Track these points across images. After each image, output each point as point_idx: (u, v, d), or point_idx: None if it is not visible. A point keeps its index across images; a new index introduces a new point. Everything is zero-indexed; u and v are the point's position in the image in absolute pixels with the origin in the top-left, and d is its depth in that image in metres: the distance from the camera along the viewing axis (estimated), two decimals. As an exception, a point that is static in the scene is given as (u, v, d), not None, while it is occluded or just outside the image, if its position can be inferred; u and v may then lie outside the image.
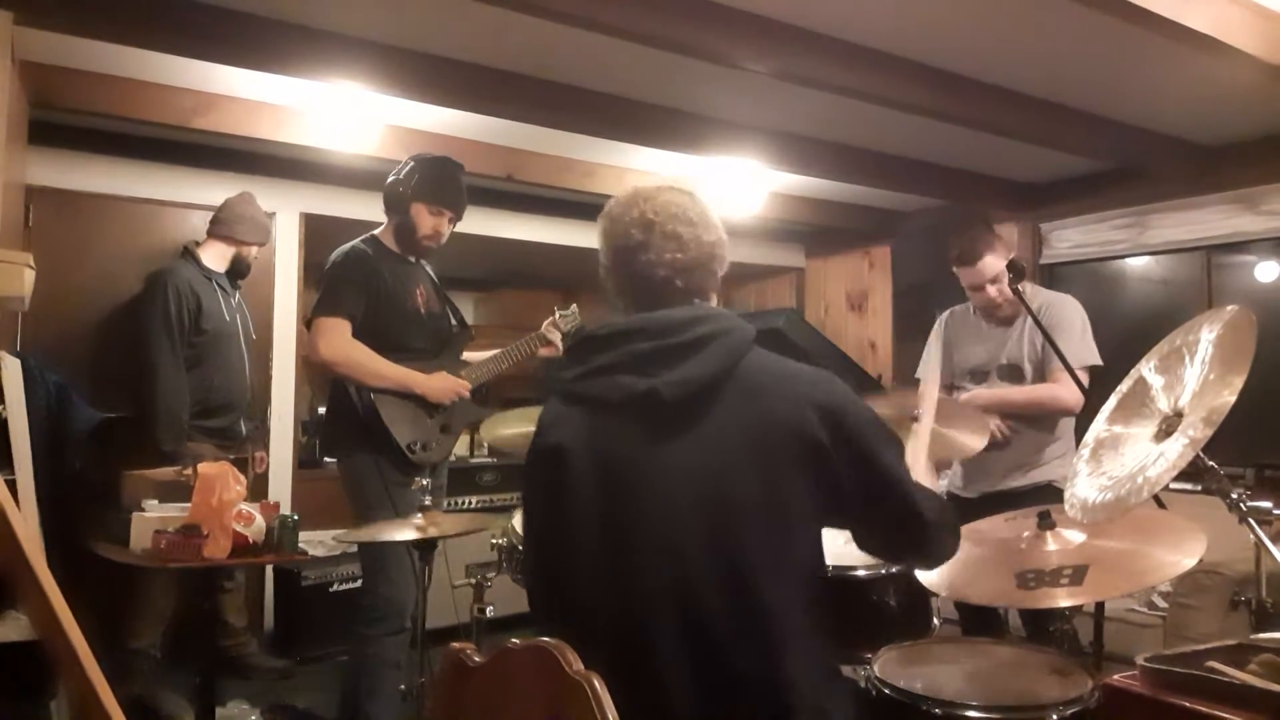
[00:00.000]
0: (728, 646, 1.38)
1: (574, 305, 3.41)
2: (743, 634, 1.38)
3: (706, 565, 1.39)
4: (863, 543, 1.58)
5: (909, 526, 1.49)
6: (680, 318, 1.49)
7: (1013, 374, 3.04)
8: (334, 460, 3.47)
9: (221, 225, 3.88)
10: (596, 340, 1.53)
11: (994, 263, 2.98)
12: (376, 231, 3.04)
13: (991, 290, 3.01)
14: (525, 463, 1.59)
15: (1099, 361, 2.90)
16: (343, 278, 2.88)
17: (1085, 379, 2.85)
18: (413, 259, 3.06)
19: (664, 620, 1.39)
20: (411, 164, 3.02)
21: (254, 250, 3.97)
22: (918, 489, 1.50)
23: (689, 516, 1.40)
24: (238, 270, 3.93)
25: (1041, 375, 2.99)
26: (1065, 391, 2.89)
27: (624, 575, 1.42)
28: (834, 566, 1.98)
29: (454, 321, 3.18)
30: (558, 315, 3.34)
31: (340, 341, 2.82)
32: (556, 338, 3.27)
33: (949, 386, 3.25)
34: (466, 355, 3.19)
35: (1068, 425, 2.99)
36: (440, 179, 3.01)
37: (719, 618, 1.38)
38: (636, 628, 1.40)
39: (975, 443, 2.77)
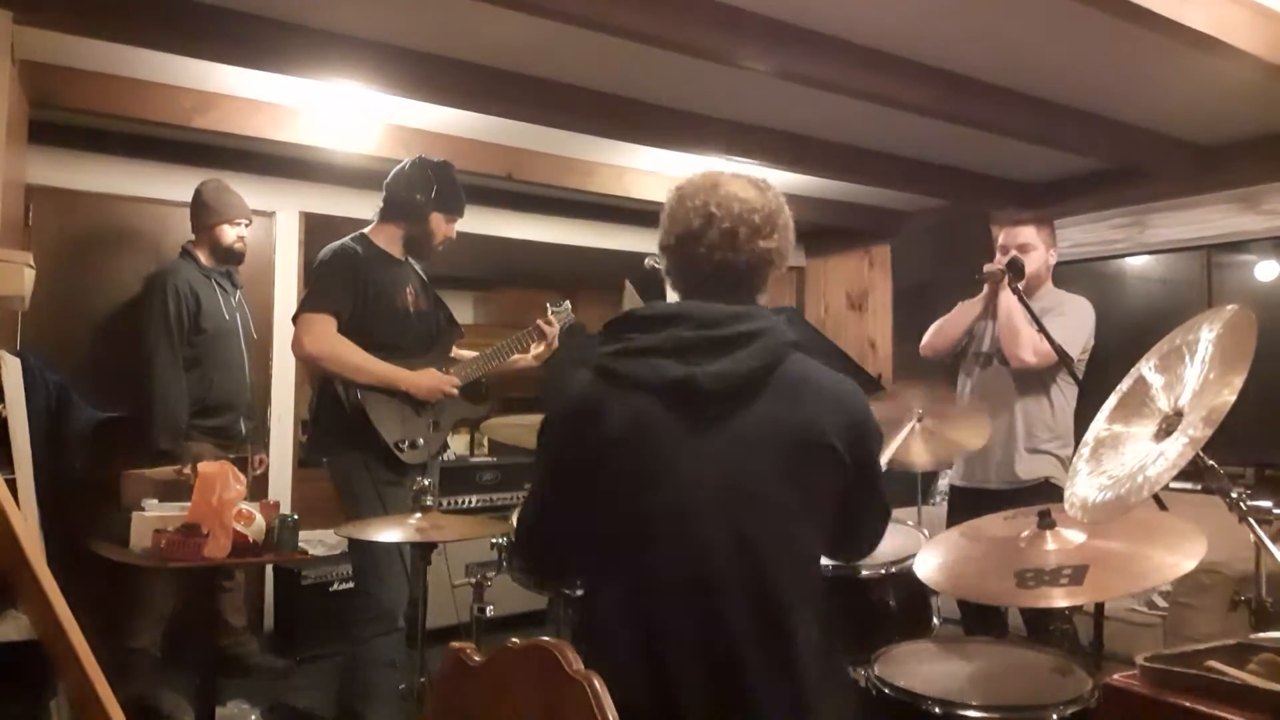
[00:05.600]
0: (740, 642, 1.40)
1: (566, 302, 3.41)
2: (757, 630, 1.40)
3: (726, 559, 1.41)
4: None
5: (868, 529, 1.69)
6: (726, 312, 1.50)
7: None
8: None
9: (191, 219, 3.83)
10: (638, 320, 1.53)
11: (1030, 235, 3.11)
12: (366, 230, 3.05)
13: (998, 260, 3.09)
14: (547, 424, 1.58)
15: (1071, 355, 2.89)
16: (331, 275, 2.90)
17: (1075, 366, 2.91)
18: (401, 258, 3.07)
19: (678, 611, 1.42)
20: (425, 173, 3.02)
21: (229, 230, 3.80)
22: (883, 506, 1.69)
23: (713, 509, 1.42)
24: (220, 256, 3.81)
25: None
26: (1031, 342, 2.92)
27: (643, 561, 1.44)
28: (834, 567, 1.99)
29: (443, 320, 3.18)
30: (550, 311, 3.34)
31: (325, 336, 2.82)
32: (553, 332, 3.27)
33: (961, 353, 3.28)
34: (456, 353, 3.20)
35: (1065, 418, 3.02)
36: (452, 188, 3.07)
37: (736, 610, 1.40)
38: (652, 608, 1.43)
39: (974, 441, 2.80)
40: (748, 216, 1.54)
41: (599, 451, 1.48)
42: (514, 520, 2.63)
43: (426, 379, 2.96)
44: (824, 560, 1.70)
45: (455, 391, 3.04)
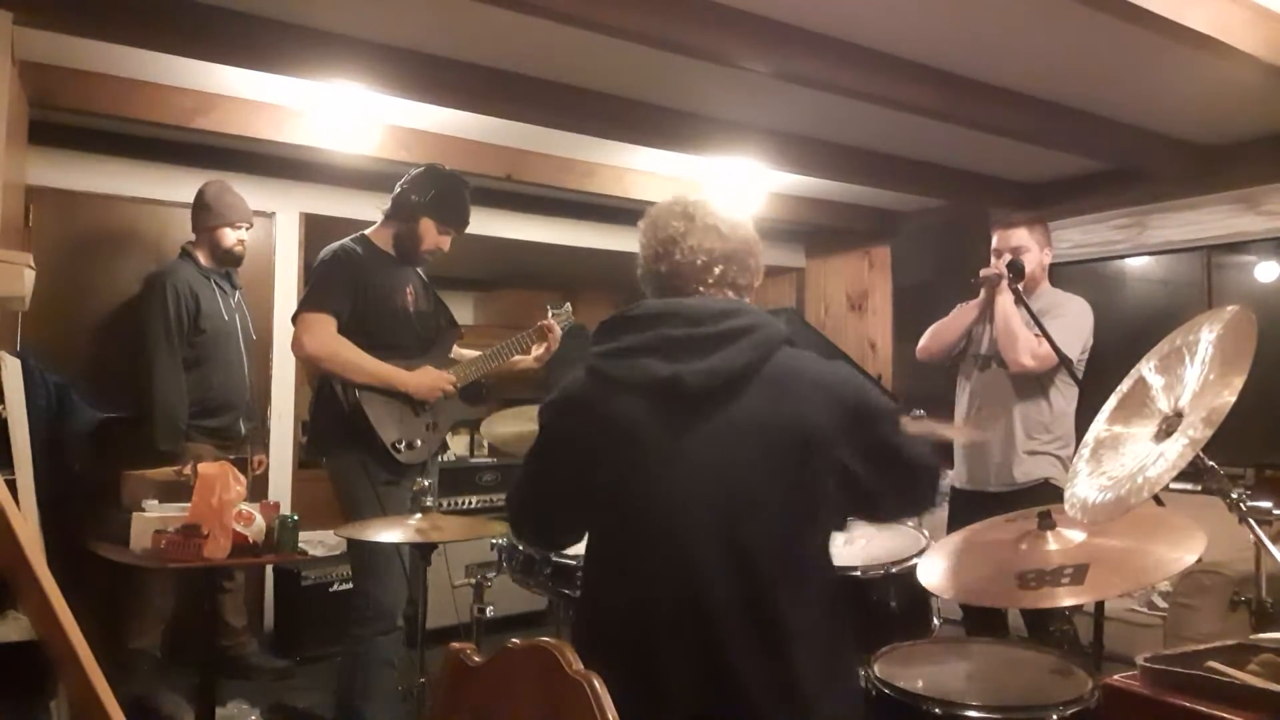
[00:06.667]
0: (730, 641, 1.39)
1: (567, 304, 3.40)
2: (747, 629, 1.39)
3: (714, 560, 1.40)
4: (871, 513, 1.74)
5: (910, 482, 1.60)
6: (715, 308, 1.51)
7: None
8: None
9: (193, 220, 3.83)
10: (628, 320, 1.54)
11: (1023, 238, 3.08)
12: (367, 231, 3.05)
13: (994, 264, 3.07)
14: (541, 414, 1.61)
15: (1071, 356, 2.90)
16: (330, 275, 2.90)
17: (1074, 367, 2.92)
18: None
19: (667, 609, 1.41)
20: (428, 177, 3.02)
21: (229, 233, 3.81)
22: (914, 443, 1.56)
23: (700, 510, 1.42)
24: (219, 258, 3.82)
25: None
26: (1029, 347, 2.93)
27: (631, 560, 1.45)
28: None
29: (443, 321, 3.18)
30: (550, 313, 3.33)
31: (324, 336, 2.82)
32: (554, 334, 3.26)
33: (960, 355, 3.27)
34: (456, 353, 3.19)
35: (1064, 419, 3.01)
36: (453, 200, 3.05)
37: (725, 613, 1.39)
38: (640, 614, 1.43)
39: (970, 433, 2.82)
40: (722, 212, 1.61)
41: (589, 452, 1.50)
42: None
43: (425, 377, 2.96)
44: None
45: (453, 388, 3.03)
